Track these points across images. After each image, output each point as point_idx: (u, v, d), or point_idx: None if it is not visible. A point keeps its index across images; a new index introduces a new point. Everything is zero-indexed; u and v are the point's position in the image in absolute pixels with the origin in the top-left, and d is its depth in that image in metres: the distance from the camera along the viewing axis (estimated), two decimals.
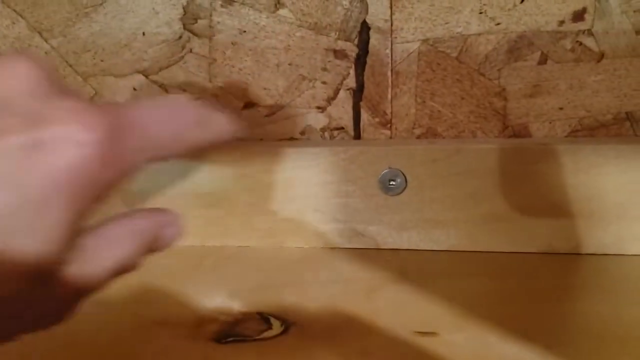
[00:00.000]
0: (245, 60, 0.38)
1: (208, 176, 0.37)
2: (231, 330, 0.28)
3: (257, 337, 0.27)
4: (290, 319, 0.29)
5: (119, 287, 0.32)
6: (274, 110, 0.38)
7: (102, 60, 0.39)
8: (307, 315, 0.29)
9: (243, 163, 0.36)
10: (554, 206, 0.34)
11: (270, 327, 0.28)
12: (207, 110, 0.23)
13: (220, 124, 0.24)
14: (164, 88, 0.39)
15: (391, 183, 0.35)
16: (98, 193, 0.18)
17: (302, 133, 0.39)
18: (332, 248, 0.37)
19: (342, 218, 0.36)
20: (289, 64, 0.37)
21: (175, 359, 0.26)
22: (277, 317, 0.29)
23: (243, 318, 0.29)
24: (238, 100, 0.38)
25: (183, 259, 0.36)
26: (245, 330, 0.28)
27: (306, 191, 0.36)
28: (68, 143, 0.17)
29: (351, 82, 0.37)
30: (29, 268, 0.17)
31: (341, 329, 0.28)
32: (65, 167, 0.17)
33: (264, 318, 0.29)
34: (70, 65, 0.39)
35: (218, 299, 0.31)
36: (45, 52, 0.39)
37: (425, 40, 0.36)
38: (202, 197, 0.37)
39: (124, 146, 0.19)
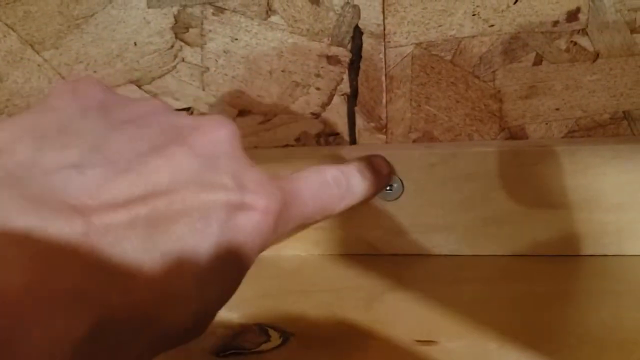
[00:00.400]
0: (238, 68, 0.37)
1: None
2: (230, 343, 0.28)
3: (255, 350, 0.27)
4: (289, 329, 0.28)
5: None
6: (269, 117, 0.38)
7: (94, 71, 0.39)
8: (306, 325, 0.29)
9: None
10: (552, 208, 0.34)
11: (269, 338, 0.28)
12: (350, 180, 0.29)
13: (360, 190, 0.29)
14: (157, 98, 0.39)
15: (388, 188, 0.35)
16: (257, 254, 0.21)
17: (298, 139, 0.38)
18: (330, 255, 0.36)
19: (340, 225, 0.36)
20: (282, 71, 0.37)
21: None
22: (275, 329, 0.28)
23: (242, 330, 0.29)
24: (232, 108, 0.38)
25: None
26: (244, 342, 0.28)
27: None
28: (257, 210, 0.20)
29: (345, 87, 0.37)
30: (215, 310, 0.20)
31: (340, 338, 0.27)
32: (252, 228, 0.20)
33: (262, 329, 0.29)
34: (63, 77, 0.39)
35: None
36: (38, 65, 0.39)
37: (418, 44, 0.35)
38: None
39: (288, 216, 0.23)
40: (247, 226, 0.20)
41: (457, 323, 0.28)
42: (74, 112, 0.19)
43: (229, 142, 0.21)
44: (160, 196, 0.18)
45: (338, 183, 0.27)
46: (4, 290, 0.14)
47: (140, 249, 0.17)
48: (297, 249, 0.37)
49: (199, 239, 0.18)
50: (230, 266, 0.19)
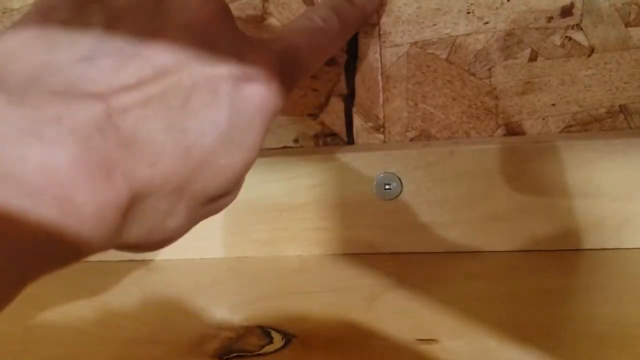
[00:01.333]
0: None
1: None
2: (232, 346, 0.28)
3: (258, 352, 0.27)
4: (290, 331, 0.29)
5: (118, 305, 0.32)
6: None
7: None
8: (308, 326, 0.29)
9: None
10: (551, 203, 0.34)
11: (271, 340, 0.28)
12: (341, 12, 0.29)
13: (354, 18, 0.31)
14: None
15: (387, 187, 0.35)
16: (273, 117, 0.23)
17: (296, 141, 0.39)
18: (330, 255, 0.37)
19: (340, 224, 0.36)
20: None
21: None
22: (277, 330, 0.29)
23: (244, 333, 0.29)
24: None
25: (180, 274, 0.36)
26: (246, 345, 0.28)
27: (302, 199, 0.36)
28: (260, 80, 0.22)
29: (342, 88, 0.37)
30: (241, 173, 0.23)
31: (342, 338, 0.28)
32: (260, 98, 0.21)
33: (264, 332, 0.29)
34: None
35: (218, 314, 0.31)
36: None
37: (414, 43, 0.36)
38: None
39: (291, 74, 0.24)
40: (255, 96, 0.21)
41: (457, 321, 0.28)
42: (73, 6, 0.20)
43: (222, 16, 0.22)
44: (168, 75, 0.19)
45: (330, 22, 0.28)
46: (56, 164, 0.16)
47: (159, 126, 0.19)
48: (298, 250, 0.37)
49: (212, 111, 0.20)
50: (246, 133, 0.21)
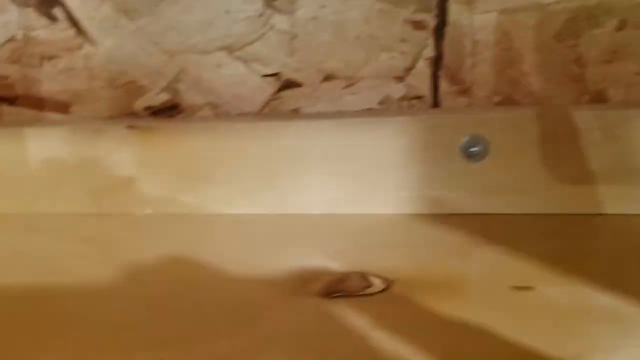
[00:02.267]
0: (326, 34, 0.39)
1: None
2: (335, 287, 0.29)
3: (361, 293, 0.29)
4: (389, 277, 0.30)
5: (229, 253, 0.34)
6: (353, 81, 0.40)
7: (187, 38, 0.41)
8: (405, 273, 0.30)
9: (327, 136, 0.38)
10: (633, 169, 0.35)
11: (371, 284, 0.30)
12: None
13: None
14: (247, 64, 0.41)
15: (472, 150, 0.36)
16: None
17: (381, 103, 0.40)
18: (414, 214, 0.38)
19: (423, 185, 0.37)
20: (368, 36, 0.39)
21: (287, 313, 0.27)
22: (376, 276, 0.30)
23: (344, 277, 0.30)
24: (318, 73, 0.40)
25: (267, 226, 0.38)
26: (348, 287, 0.29)
27: (387, 160, 0.37)
28: None
29: (430, 52, 0.38)
30: None
31: (440, 285, 0.29)
32: None
33: (363, 277, 0.30)
34: (156, 44, 0.41)
35: (316, 260, 0.33)
36: (132, 32, 0.41)
37: (503, 10, 0.37)
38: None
39: None
40: None
41: (551, 272, 0.29)
42: None
43: None
44: None
45: None
46: None
47: None
48: (382, 209, 0.38)
49: None
50: None
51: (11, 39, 0.43)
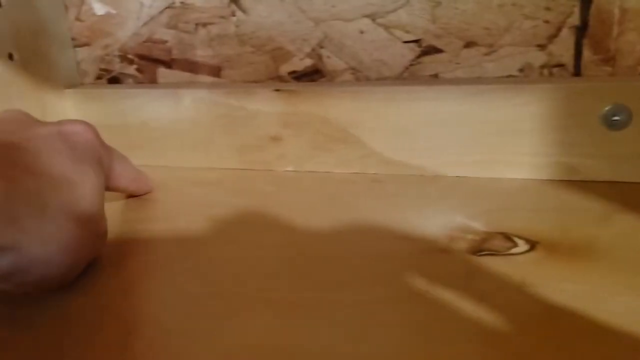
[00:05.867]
0: (469, 2, 0.40)
1: None
2: (481, 245, 0.31)
3: (507, 253, 0.31)
4: (533, 238, 0.31)
5: (366, 210, 0.37)
6: (494, 49, 0.41)
7: (333, 6, 0.43)
8: (548, 235, 0.32)
9: (465, 101, 0.39)
10: None
11: (515, 245, 0.31)
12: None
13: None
14: (389, 31, 0.42)
15: (615, 118, 0.36)
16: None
17: (521, 70, 0.41)
18: (550, 180, 0.39)
19: (561, 152, 0.38)
20: (512, 5, 0.39)
21: (439, 267, 0.30)
22: (519, 237, 0.32)
23: (488, 237, 0.32)
24: (458, 40, 0.41)
25: (403, 187, 0.40)
26: (493, 246, 0.31)
27: (526, 126, 0.38)
28: (79, 129, 0.32)
29: (575, 20, 0.38)
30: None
31: (584, 248, 0.30)
32: (85, 140, 0.32)
33: (507, 237, 0.32)
34: (303, 12, 0.44)
35: (458, 220, 0.34)
36: (281, 0, 0.44)
37: None
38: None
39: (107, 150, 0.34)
40: (80, 139, 0.31)
41: None
42: None
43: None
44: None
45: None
46: None
47: None
48: (516, 173, 0.39)
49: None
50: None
51: (170, 6, 0.47)
